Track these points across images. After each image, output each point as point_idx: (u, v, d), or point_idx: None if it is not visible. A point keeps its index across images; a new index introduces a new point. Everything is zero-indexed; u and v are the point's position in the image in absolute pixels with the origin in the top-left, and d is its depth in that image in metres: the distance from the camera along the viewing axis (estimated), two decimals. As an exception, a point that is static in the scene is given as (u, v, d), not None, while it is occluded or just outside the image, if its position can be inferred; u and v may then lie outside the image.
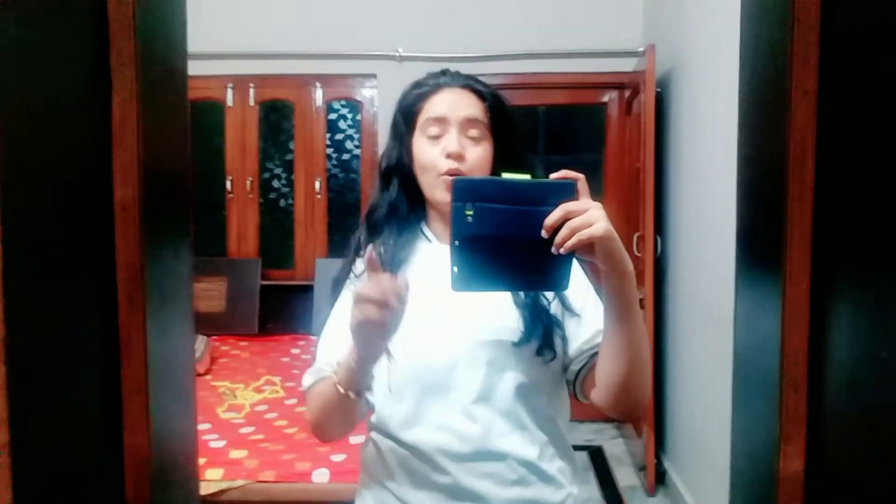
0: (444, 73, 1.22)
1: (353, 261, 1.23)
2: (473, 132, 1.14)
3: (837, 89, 0.61)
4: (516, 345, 1.10)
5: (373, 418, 1.19)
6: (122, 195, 0.62)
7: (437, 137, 1.15)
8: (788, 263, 0.61)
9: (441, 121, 1.14)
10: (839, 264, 0.63)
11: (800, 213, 0.61)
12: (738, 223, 0.79)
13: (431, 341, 1.12)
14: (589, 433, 4.18)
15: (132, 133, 0.61)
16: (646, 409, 3.31)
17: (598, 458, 3.89)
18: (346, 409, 1.08)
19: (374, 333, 0.96)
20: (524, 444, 1.12)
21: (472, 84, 1.18)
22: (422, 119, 1.17)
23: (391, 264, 1.17)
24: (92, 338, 0.66)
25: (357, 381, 1.04)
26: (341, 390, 1.04)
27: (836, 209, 0.63)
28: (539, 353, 1.11)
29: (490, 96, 1.18)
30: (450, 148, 1.12)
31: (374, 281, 0.94)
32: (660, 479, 3.51)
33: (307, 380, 1.16)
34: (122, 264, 0.63)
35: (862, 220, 0.62)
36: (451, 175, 1.10)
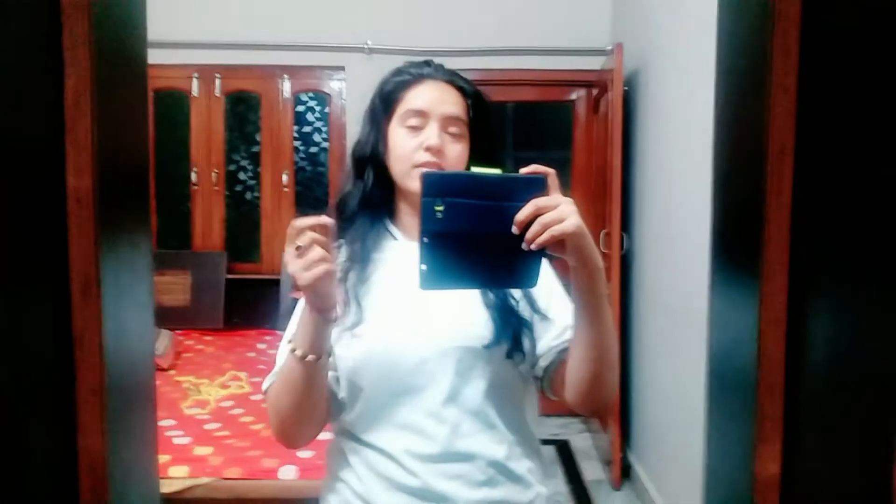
0: (427, 63, 1.18)
1: None
2: (454, 129, 1.12)
3: (817, 86, 0.60)
4: (487, 347, 1.09)
5: (338, 420, 1.17)
6: (76, 185, 0.59)
7: (415, 129, 1.12)
8: (765, 262, 0.61)
9: (422, 113, 1.12)
10: (817, 264, 0.63)
11: (778, 210, 0.60)
12: (713, 221, 0.78)
13: (399, 343, 1.09)
14: (556, 427, 4.21)
15: (86, 119, 0.58)
16: (612, 405, 3.34)
17: (564, 452, 3.92)
18: (308, 385, 1.02)
19: (313, 276, 0.91)
20: (492, 444, 1.10)
21: (455, 80, 1.16)
22: (401, 108, 1.14)
23: (361, 262, 1.15)
24: (44, 337, 0.63)
25: (313, 336, 0.98)
26: (299, 353, 0.99)
27: (815, 208, 0.62)
28: (509, 356, 1.10)
29: (473, 94, 1.16)
30: (430, 142, 1.09)
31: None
32: (625, 473, 3.55)
33: (266, 382, 1.12)
34: (77, 258, 0.59)
35: (841, 219, 0.62)
36: (427, 167, 1.08)
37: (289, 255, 0.93)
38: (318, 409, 1.08)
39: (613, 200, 3.47)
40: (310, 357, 0.99)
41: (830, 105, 0.62)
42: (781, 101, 0.59)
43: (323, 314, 0.97)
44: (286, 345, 1.09)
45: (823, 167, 0.62)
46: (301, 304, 1.04)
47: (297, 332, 1.01)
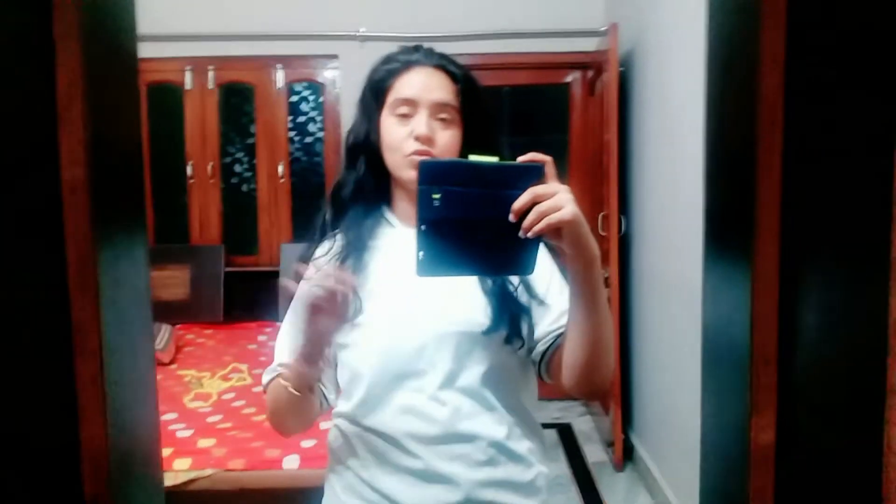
0: (417, 49, 1.18)
1: (320, 242, 1.21)
2: (444, 115, 1.12)
3: (806, 58, 0.61)
4: (485, 333, 1.10)
5: (337, 405, 1.18)
6: (71, 176, 0.59)
7: (405, 117, 1.12)
8: (757, 234, 0.61)
9: (410, 102, 1.12)
10: (808, 235, 0.63)
11: (769, 183, 0.60)
12: (705, 195, 0.79)
13: (398, 329, 1.11)
14: (557, 411, 4.23)
15: (79, 109, 0.58)
16: (611, 387, 3.36)
17: (566, 435, 3.95)
18: (297, 406, 1.09)
19: (321, 323, 0.98)
20: (492, 424, 1.11)
21: (445, 65, 1.15)
22: (391, 98, 1.14)
23: (358, 250, 1.15)
24: (42, 328, 0.63)
25: (301, 377, 1.06)
26: (285, 385, 1.06)
27: (806, 181, 0.63)
28: (508, 341, 1.11)
29: (463, 78, 1.15)
30: (418, 131, 1.10)
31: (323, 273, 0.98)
32: (627, 454, 3.57)
33: (265, 378, 1.17)
34: (73, 248, 0.60)
35: (831, 191, 0.62)
36: (418, 156, 1.08)
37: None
38: (307, 417, 1.16)
39: (611, 182, 3.47)
40: (297, 393, 1.06)
41: (820, 77, 0.62)
42: (771, 72, 0.59)
43: (315, 354, 1.04)
44: (283, 342, 1.16)
45: (814, 140, 0.62)
46: (289, 317, 1.14)
47: (288, 368, 1.08)
